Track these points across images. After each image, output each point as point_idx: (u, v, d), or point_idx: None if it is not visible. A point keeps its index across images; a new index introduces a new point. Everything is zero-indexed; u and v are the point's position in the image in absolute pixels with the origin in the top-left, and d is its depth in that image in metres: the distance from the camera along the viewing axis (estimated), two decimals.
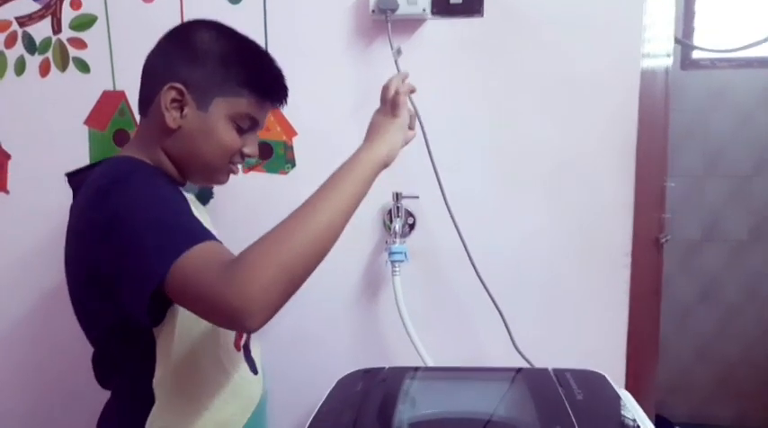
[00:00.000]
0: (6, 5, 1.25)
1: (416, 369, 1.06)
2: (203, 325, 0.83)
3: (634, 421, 0.82)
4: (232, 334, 0.91)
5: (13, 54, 1.26)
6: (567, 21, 1.13)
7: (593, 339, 1.20)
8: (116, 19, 1.23)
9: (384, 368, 1.04)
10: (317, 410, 0.89)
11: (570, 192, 1.17)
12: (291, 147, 1.22)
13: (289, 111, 1.19)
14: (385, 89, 0.90)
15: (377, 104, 0.93)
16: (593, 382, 0.94)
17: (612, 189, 1.16)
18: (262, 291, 0.64)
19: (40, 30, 1.25)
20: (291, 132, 1.22)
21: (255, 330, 0.67)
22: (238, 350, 0.90)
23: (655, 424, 0.88)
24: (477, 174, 1.19)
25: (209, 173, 0.91)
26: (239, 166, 0.94)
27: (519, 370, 1.03)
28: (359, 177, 0.77)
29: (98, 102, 1.26)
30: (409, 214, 1.20)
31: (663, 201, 1.49)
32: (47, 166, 1.27)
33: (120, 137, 1.26)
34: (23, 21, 1.25)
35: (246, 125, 0.87)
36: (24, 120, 1.29)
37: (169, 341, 0.81)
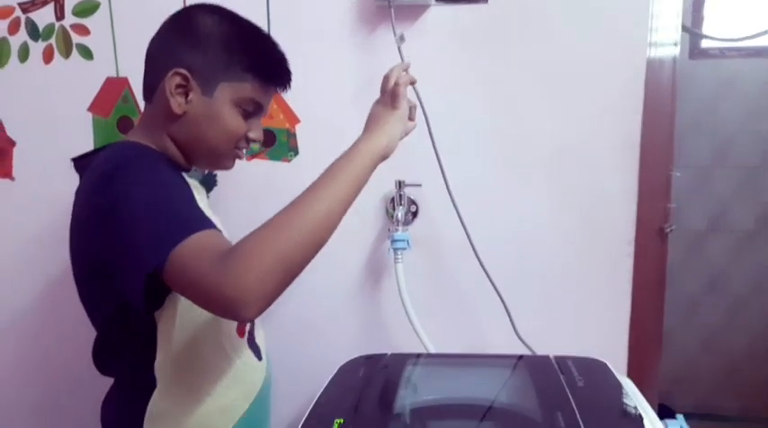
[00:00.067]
0: None
1: (418, 355, 1.06)
2: (204, 311, 0.83)
3: (635, 408, 0.82)
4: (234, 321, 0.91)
5: (16, 41, 1.27)
6: (573, 8, 1.12)
7: (595, 328, 1.20)
8: (119, 5, 1.23)
9: (386, 354, 1.04)
10: (318, 395, 0.89)
11: (574, 181, 1.17)
12: (294, 135, 1.22)
13: (292, 98, 1.20)
14: (385, 79, 0.90)
15: (379, 92, 0.93)
16: (594, 370, 0.94)
17: (616, 177, 1.15)
18: (257, 281, 0.64)
19: (43, 16, 1.25)
20: (294, 119, 1.22)
21: (251, 319, 0.68)
22: (241, 336, 0.91)
23: (658, 413, 0.88)
24: (481, 163, 1.18)
25: (214, 159, 0.91)
26: (244, 151, 0.94)
27: (520, 357, 1.04)
28: (358, 168, 0.77)
29: (101, 88, 1.26)
30: (412, 202, 1.20)
31: (668, 191, 1.48)
32: (51, 153, 1.27)
33: (124, 123, 1.26)
34: (26, 7, 1.25)
35: (251, 110, 0.88)
36: (29, 107, 1.29)
37: (170, 326, 0.82)
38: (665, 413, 0.90)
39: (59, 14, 1.25)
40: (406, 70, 0.92)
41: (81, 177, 0.88)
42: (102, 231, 0.75)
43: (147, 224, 0.71)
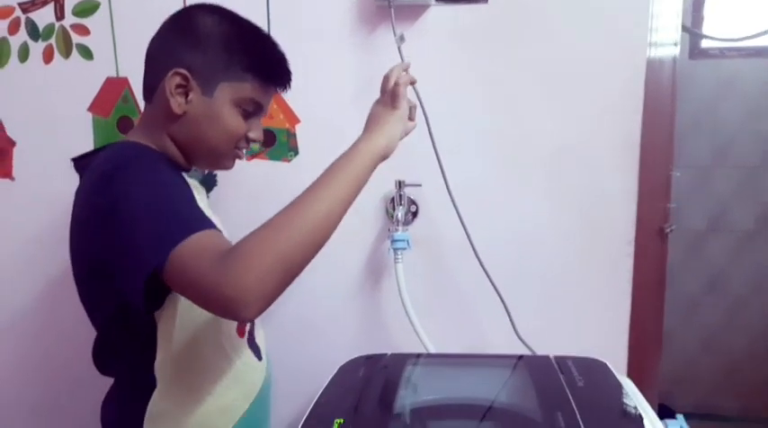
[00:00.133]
0: None
1: (418, 355, 1.06)
2: (205, 311, 0.83)
3: (635, 408, 0.82)
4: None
5: (16, 41, 1.27)
6: (573, 8, 1.12)
7: (595, 328, 1.20)
8: (118, 5, 1.23)
9: (386, 354, 1.04)
10: (318, 395, 0.89)
11: (574, 181, 1.17)
12: (294, 135, 1.22)
13: (292, 98, 1.20)
14: (385, 79, 0.90)
15: (379, 92, 0.93)
16: (594, 370, 0.94)
17: (616, 177, 1.15)
18: (257, 281, 0.64)
19: (43, 16, 1.25)
20: (294, 120, 1.22)
21: (251, 320, 0.68)
22: (241, 336, 0.91)
23: (658, 413, 0.88)
24: (481, 163, 1.18)
25: (214, 159, 0.91)
26: (244, 151, 0.94)
27: (520, 357, 1.04)
28: (358, 168, 0.77)
29: (101, 88, 1.26)
30: (412, 202, 1.20)
31: (668, 191, 1.48)
32: (51, 153, 1.27)
33: (124, 123, 1.26)
34: (26, 7, 1.25)
35: (251, 110, 0.88)
36: (29, 107, 1.29)
37: (170, 326, 0.82)
38: (665, 413, 0.90)
39: (59, 14, 1.25)
40: (406, 70, 0.92)
41: (81, 177, 0.88)
42: (102, 231, 0.75)
43: (147, 224, 0.71)
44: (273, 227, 0.69)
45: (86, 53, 1.25)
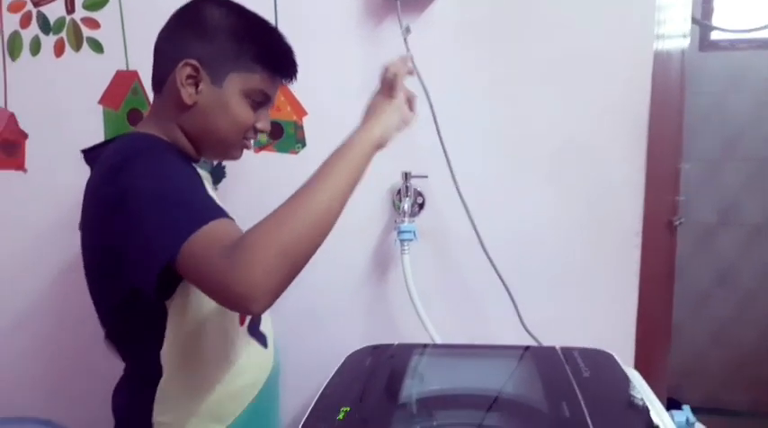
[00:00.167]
0: None
1: (425, 346, 1.07)
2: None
3: (641, 399, 0.82)
4: None
5: (28, 34, 1.28)
6: (579, 1, 1.12)
7: (602, 320, 1.19)
8: None
9: (392, 344, 1.05)
10: (325, 384, 0.90)
11: (580, 173, 1.16)
12: (302, 127, 1.23)
13: (299, 90, 1.21)
14: (384, 70, 0.90)
15: (379, 83, 0.93)
16: (600, 361, 0.95)
17: (623, 169, 1.15)
18: (264, 275, 0.65)
19: (54, 10, 1.26)
20: (302, 112, 1.22)
21: (260, 313, 0.68)
22: (242, 325, 0.91)
23: (666, 407, 0.88)
24: (487, 154, 1.18)
25: (223, 149, 0.92)
26: (252, 142, 0.95)
27: (527, 348, 1.04)
28: (355, 159, 0.78)
29: (112, 81, 1.27)
30: (418, 193, 1.20)
31: (677, 183, 1.47)
32: (63, 145, 1.29)
33: (134, 116, 1.27)
34: (37, 0, 1.27)
35: (259, 100, 0.89)
36: (41, 100, 1.31)
37: (181, 314, 0.83)
38: (673, 406, 0.90)
39: (70, 8, 1.26)
40: (406, 62, 0.92)
41: (91, 169, 0.89)
42: (113, 222, 0.76)
43: (160, 215, 0.72)
44: (276, 220, 0.69)
45: (97, 46, 1.27)
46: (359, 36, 1.18)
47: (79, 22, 1.26)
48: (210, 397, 0.87)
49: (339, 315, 1.27)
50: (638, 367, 1.16)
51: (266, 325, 0.98)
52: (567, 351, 0.98)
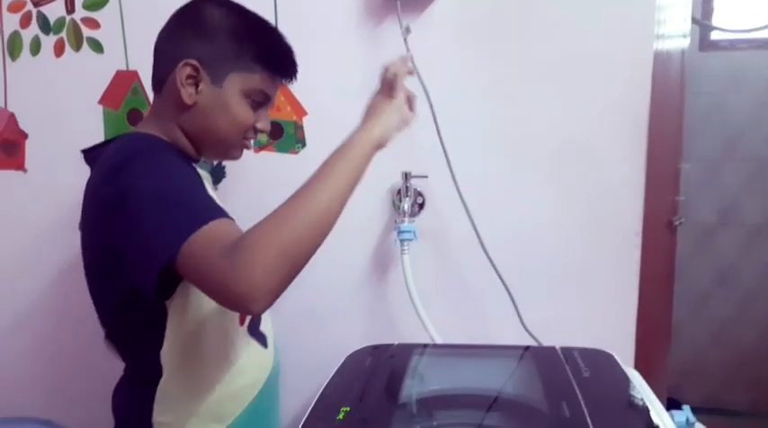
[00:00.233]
0: None
1: (425, 346, 1.07)
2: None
3: (641, 398, 0.82)
4: None
5: (28, 34, 1.28)
6: (579, 1, 1.12)
7: (602, 320, 1.19)
8: None
9: (393, 344, 1.05)
10: (325, 384, 0.90)
11: (580, 173, 1.16)
12: (302, 127, 1.23)
13: (299, 90, 1.21)
14: (384, 70, 0.90)
15: (379, 83, 0.93)
16: (600, 361, 0.95)
17: (623, 169, 1.15)
18: (264, 275, 0.65)
19: (54, 10, 1.26)
20: (302, 112, 1.22)
21: (260, 313, 0.68)
22: (242, 325, 0.92)
23: (666, 407, 0.88)
24: (487, 154, 1.18)
25: (223, 149, 0.92)
26: (252, 142, 0.95)
27: (527, 348, 1.04)
28: (355, 159, 0.78)
29: (112, 81, 1.27)
30: (418, 193, 1.20)
31: (677, 183, 1.47)
32: (63, 145, 1.29)
33: (134, 116, 1.27)
34: (37, 1, 1.27)
35: (259, 100, 0.89)
36: (41, 100, 1.31)
37: (181, 315, 0.83)
38: (673, 407, 0.90)
39: (70, 8, 1.26)
40: (405, 62, 0.92)
41: (91, 169, 0.89)
42: (112, 222, 0.76)
43: (159, 215, 0.72)
44: (276, 220, 0.69)
45: (97, 46, 1.27)
46: (359, 36, 1.18)
47: (79, 22, 1.26)
48: (210, 397, 0.87)
49: (339, 315, 1.27)
50: (638, 367, 1.16)
51: (266, 325, 0.98)
52: (567, 351, 0.98)
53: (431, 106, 1.12)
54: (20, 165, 1.34)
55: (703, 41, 2.34)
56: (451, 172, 1.14)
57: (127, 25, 1.25)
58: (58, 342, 1.39)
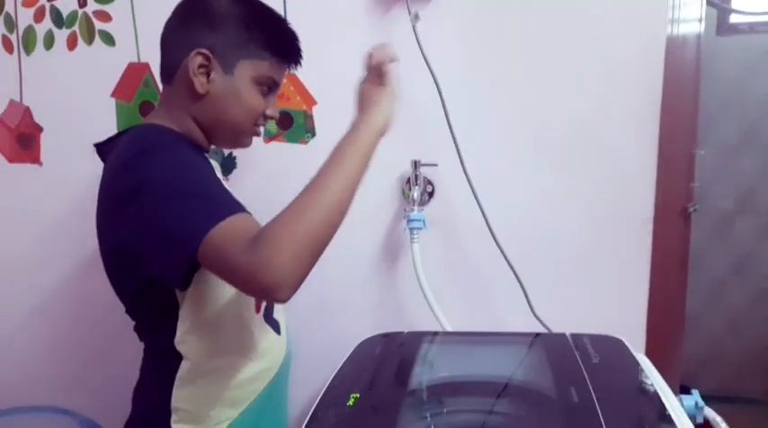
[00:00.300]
0: None
1: (435, 333, 1.08)
2: (229, 287, 0.85)
3: (651, 384, 0.82)
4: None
5: (41, 28, 1.30)
6: None
7: (612, 308, 1.19)
8: None
9: (403, 332, 1.06)
10: (335, 372, 0.91)
11: (591, 160, 1.15)
12: (311, 116, 1.23)
13: (308, 80, 1.21)
14: (368, 57, 0.89)
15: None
16: (610, 347, 0.95)
17: (634, 156, 1.14)
18: (290, 264, 0.67)
19: (67, 3, 1.28)
20: (311, 101, 1.23)
21: (286, 301, 0.70)
22: (258, 312, 0.93)
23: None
24: (496, 142, 1.18)
25: (235, 137, 0.93)
26: (261, 129, 0.96)
27: (537, 335, 1.04)
28: (363, 148, 0.79)
29: (124, 74, 1.28)
30: (428, 182, 1.20)
31: (691, 169, 1.45)
32: (77, 138, 1.30)
33: (146, 108, 1.28)
34: None
35: (268, 86, 0.90)
36: (55, 94, 1.32)
37: (199, 302, 0.84)
38: (684, 393, 0.90)
39: (82, 1, 1.27)
40: (385, 49, 0.91)
41: (104, 162, 0.90)
42: (129, 214, 0.77)
43: (179, 209, 0.73)
44: (296, 211, 0.71)
45: (108, 39, 1.28)
46: (367, 24, 1.17)
47: (91, 16, 1.27)
48: (228, 383, 0.89)
49: (349, 304, 1.27)
50: (649, 354, 1.16)
51: (278, 312, 1.00)
52: (577, 337, 0.98)
53: (440, 94, 1.12)
54: (35, 159, 1.36)
55: (721, 25, 2.29)
56: (461, 160, 1.14)
57: (138, 17, 1.26)
58: (75, 333, 1.42)
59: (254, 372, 0.92)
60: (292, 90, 1.22)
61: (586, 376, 0.83)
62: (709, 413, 0.89)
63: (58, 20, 1.29)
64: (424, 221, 1.15)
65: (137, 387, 0.94)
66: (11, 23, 1.31)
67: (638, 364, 0.89)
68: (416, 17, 1.07)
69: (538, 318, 1.15)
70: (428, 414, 0.84)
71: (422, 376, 0.91)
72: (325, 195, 0.73)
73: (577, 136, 1.15)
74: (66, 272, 1.40)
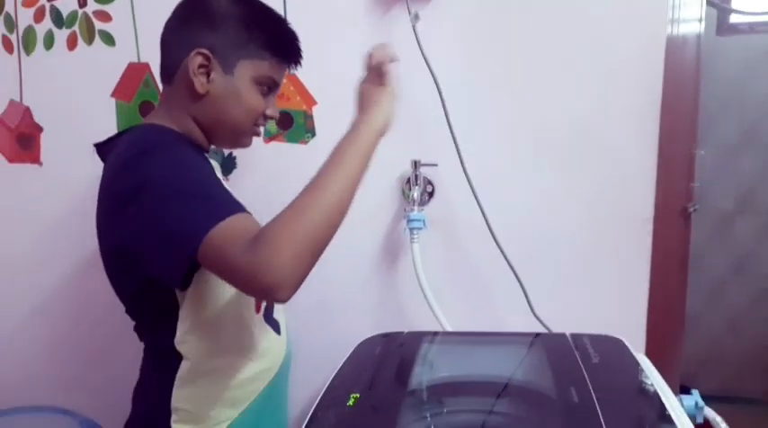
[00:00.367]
0: None
1: (435, 333, 1.08)
2: (229, 287, 0.85)
3: (651, 384, 0.82)
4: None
5: (41, 28, 1.30)
6: None
7: (612, 308, 1.19)
8: None
9: (403, 332, 1.06)
10: (335, 372, 0.91)
11: (590, 159, 1.16)
12: (311, 116, 1.23)
13: (308, 80, 1.21)
14: (368, 58, 0.90)
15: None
16: (610, 347, 0.95)
17: (634, 156, 1.14)
18: (291, 264, 0.67)
19: (67, 3, 1.28)
20: (311, 101, 1.23)
21: (286, 301, 0.70)
22: (258, 312, 0.93)
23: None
24: (496, 142, 1.18)
25: (235, 137, 0.93)
26: (261, 129, 0.96)
27: (537, 335, 1.04)
28: (362, 148, 0.79)
29: (124, 74, 1.28)
30: (428, 182, 1.20)
31: (691, 169, 1.46)
32: (77, 138, 1.30)
33: (146, 108, 1.28)
34: None
35: (268, 86, 0.90)
36: (55, 94, 1.32)
37: (199, 302, 0.84)
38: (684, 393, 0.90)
39: (82, 1, 1.27)
40: (385, 49, 0.91)
41: (104, 162, 0.90)
42: (129, 214, 0.77)
43: (180, 208, 0.74)
44: (296, 211, 0.71)
45: (108, 39, 1.28)
46: (367, 24, 1.17)
47: (91, 16, 1.27)
48: (228, 383, 0.89)
49: (349, 304, 1.27)
50: (649, 354, 1.16)
51: (278, 312, 1.00)
52: (577, 337, 0.98)
53: (440, 93, 1.12)
54: (35, 159, 1.36)
55: (721, 25, 2.29)
56: (461, 160, 1.14)
57: (138, 17, 1.26)
58: (75, 333, 1.42)
59: (254, 372, 0.92)
60: (292, 90, 1.22)
61: (586, 376, 0.83)
62: (709, 413, 0.89)
63: (58, 20, 1.29)
64: (424, 221, 1.15)
65: (137, 387, 0.94)
66: (11, 23, 1.31)
67: (638, 364, 0.89)
68: (416, 17, 1.07)
69: (538, 318, 1.15)
70: (428, 414, 0.84)
71: (422, 376, 0.92)
72: (326, 195, 0.73)
73: (577, 136, 1.15)
74: (66, 272, 1.40)
